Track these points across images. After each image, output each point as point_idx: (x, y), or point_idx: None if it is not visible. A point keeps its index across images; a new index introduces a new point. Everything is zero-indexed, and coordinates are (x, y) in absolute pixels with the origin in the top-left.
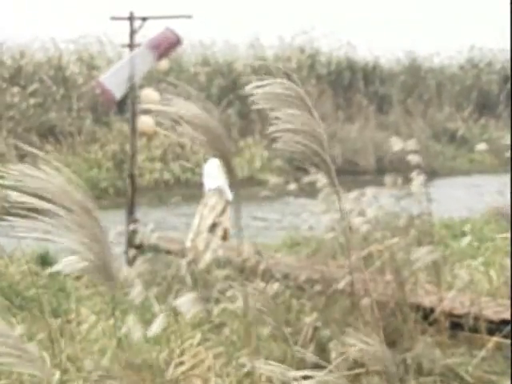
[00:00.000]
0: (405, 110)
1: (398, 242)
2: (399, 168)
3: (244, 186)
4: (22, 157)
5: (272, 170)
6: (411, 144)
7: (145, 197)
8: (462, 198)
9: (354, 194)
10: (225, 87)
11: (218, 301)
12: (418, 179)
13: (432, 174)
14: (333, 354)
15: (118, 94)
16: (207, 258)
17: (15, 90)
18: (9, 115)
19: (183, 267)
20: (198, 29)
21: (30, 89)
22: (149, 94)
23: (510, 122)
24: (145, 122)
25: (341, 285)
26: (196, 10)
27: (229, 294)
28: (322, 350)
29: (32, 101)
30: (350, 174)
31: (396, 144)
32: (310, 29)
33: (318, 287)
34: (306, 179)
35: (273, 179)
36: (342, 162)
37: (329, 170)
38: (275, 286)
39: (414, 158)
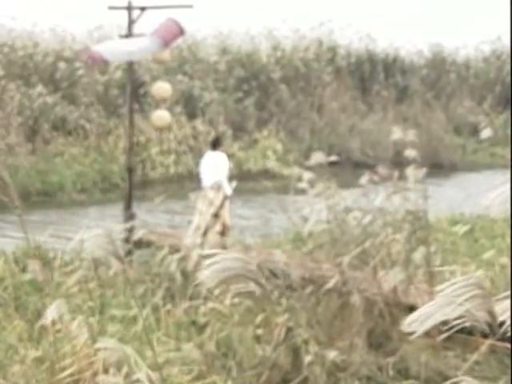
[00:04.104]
0: (425, 102)
1: (393, 239)
2: (418, 162)
3: (257, 179)
4: (33, 150)
5: (287, 162)
6: (410, 135)
7: (154, 190)
8: (477, 193)
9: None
10: (244, 78)
11: (206, 299)
12: (413, 175)
13: (452, 168)
14: (308, 358)
15: (109, 57)
16: (195, 254)
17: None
18: (20, 109)
19: (173, 264)
20: (207, 19)
21: (39, 87)
22: (161, 87)
23: (510, 119)
24: (160, 116)
25: (330, 284)
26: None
27: (216, 292)
28: (296, 354)
29: (41, 97)
30: (367, 168)
31: (396, 133)
32: (327, 21)
33: (308, 288)
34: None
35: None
36: (360, 154)
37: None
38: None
39: (410, 153)
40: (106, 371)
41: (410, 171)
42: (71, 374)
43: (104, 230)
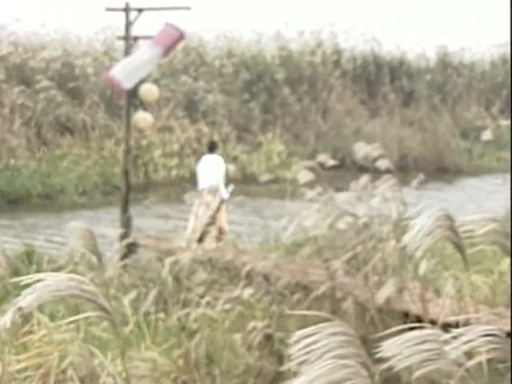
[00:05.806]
0: (431, 106)
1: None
2: (423, 167)
3: (260, 182)
4: (36, 152)
5: (291, 166)
6: (376, 148)
7: (156, 193)
8: (483, 198)
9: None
10: (249, 80)
11: (198, 305)
12: (387, 183)
13: (457, 173)
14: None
15: (128, 84)
16: (185, 258)
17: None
18: (22, 111)
19: (165, 268)
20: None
21: (41, 85)
22: (147, 89)
23: (510, 123)
24: (142, 117)
25: (320, 290)
26: (200, 2)
27: (207, 298)
28: (281, 361)
29: (43, 96)
30: (372, 173)
31: (361, 150)
32: (330, 24)
33: (298, 294)
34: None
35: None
36: (364, 158)
37: None
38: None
39: (383, 163)
40: (63, 372)
41: (383, 181)
42: (23, 369)
43: (85, 228)
